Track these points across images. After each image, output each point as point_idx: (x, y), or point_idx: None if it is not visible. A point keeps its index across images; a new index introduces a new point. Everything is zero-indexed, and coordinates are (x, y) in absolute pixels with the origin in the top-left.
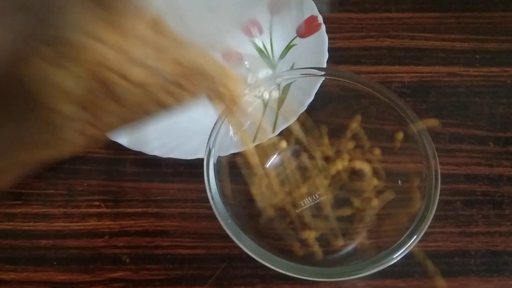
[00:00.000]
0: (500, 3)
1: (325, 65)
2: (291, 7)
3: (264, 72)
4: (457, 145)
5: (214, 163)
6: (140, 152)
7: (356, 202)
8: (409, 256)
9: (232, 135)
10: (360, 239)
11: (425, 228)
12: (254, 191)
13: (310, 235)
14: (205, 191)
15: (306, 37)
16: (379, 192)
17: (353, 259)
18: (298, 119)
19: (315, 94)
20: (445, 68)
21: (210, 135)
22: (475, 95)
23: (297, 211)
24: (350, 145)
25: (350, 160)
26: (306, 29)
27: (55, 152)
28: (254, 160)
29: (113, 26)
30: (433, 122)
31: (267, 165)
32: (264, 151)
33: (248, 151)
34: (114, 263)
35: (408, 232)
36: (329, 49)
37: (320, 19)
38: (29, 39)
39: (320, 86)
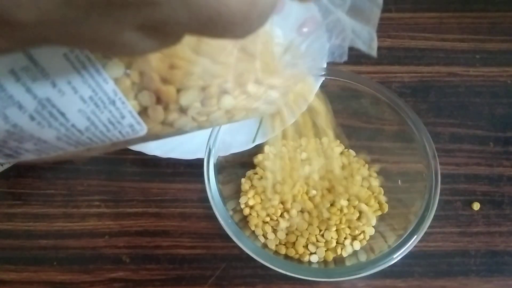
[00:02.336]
0: (500, 3)
1: (325, 65)
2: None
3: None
4: (457, 145)
5: (214, 163)
6: (140, 152)
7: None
8: (409, 256)
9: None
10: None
11: (425, 228)
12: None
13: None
14: (205, 191)
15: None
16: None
17: (353, 259)
18: None
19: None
20: (445, 68)
21: (210, 135)
22: (475, 95)
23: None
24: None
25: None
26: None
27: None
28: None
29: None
30: None
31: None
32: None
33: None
34: (114, 263)
35: (408, 232)
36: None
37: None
38: None
39: (320, 86)
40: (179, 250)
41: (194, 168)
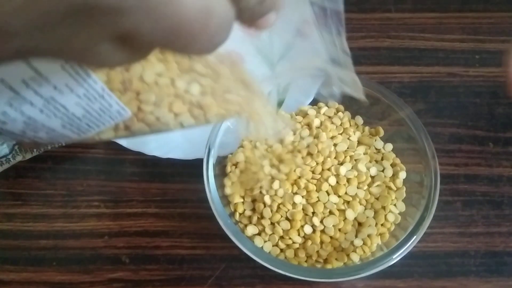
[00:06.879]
0: (500, 3)
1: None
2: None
3: (264, 72)
4: (456, 145)
5: (214, 163)
6: (139, 152)
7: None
8: (409, 256)
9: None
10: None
11: (424, 228)
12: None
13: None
14: (205, 191)
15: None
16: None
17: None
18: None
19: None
20: (445, 68)
21: (210, 135)
22: (475, 96)
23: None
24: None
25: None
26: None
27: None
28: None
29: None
30: None
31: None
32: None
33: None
34: (114, 264)
35: (408, 232)
36: None
37: None
38: None
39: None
40: (179, 251)
41: (194, 168)
